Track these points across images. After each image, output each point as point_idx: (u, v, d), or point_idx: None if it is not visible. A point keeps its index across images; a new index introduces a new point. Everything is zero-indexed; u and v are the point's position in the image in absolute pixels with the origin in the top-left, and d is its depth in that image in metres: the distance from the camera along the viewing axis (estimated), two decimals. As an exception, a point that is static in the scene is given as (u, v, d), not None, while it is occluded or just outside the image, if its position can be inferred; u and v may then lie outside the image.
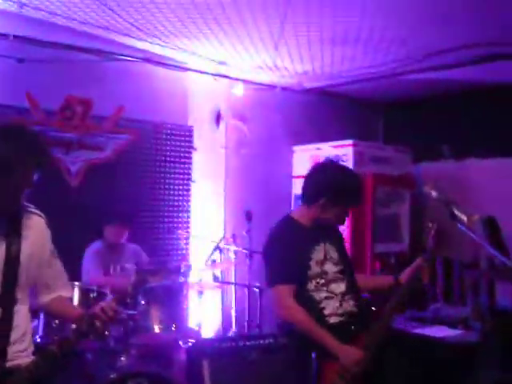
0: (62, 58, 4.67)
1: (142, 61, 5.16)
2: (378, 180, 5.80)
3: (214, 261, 4.91)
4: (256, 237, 4.85)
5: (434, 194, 2.99)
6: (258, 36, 4.56)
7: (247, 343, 3.72)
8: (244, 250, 5.09)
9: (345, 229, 5.50)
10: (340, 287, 2.96)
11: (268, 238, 3.06)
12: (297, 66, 5.45)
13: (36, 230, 2.26)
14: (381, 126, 7.31)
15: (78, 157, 4.89)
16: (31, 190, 2.15)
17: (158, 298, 4.14)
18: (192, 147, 5.68)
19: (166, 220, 5.49)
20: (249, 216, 5.15)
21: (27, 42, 4.54)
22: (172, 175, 5.54)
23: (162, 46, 4.91)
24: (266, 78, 5.89)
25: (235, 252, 5.18)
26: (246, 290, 5.13)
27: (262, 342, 3.73)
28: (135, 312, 3.96)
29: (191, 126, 5.69)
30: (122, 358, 3.80)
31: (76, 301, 3.77)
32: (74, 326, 2.30)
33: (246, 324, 5.13)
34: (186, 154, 5.64)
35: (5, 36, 4.42)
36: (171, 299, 4.23)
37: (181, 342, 4.15)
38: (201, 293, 4.61)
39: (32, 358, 2.22)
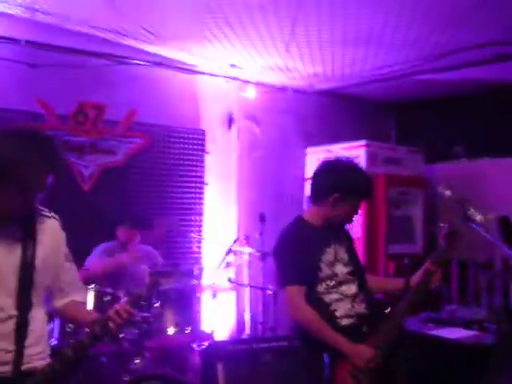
0: (73, 63, 4.70)
1: (154, 65, 5.18)
2: (391, 181, 5.78)
3: (227, 263, 4.91)
4: (269, 239, 4.84)
5: (448, 193, 2.97)
6: (270, 38, 4.55)
7: (261, 346, 3.73)
8: (257, 253, 5.08)
9: (358, 230, 5.51)
10: (351, 289, 2.95)
11: (279, 239, 3.04)
12: (308, 67, 5.44)
13: (50, 234, 2.27)
14: (393, 127, 7.27)
15: (91, 161, 4.92)
16: (45, 194, 2.16)
17: (171, 300, 4.14)
18: (204, 150, 5.70)
19: (179, 223, 5.50)
20: (262, 218, 5.15)
21: (39, 47, 4.58)
22: (184, 178, 5.55)
23: (173, 49, 4.92)
24: (277, 80, 5.89)
25: (249, 254, 5.17)
26: (259, 293, 5.13)
27: (276, 344, 3.73)
28: (149, 314, 3.95)
29: (203, 130, 5.70)
30: (137, 361, 3.81)
31: (90, 305, 3.79)
32: (87, 329, 2.30)
33: (260, 326, 5.12)
34: (199, 158, 5.65)
35: (17, 41, 4.45)
36: (185, 302, 4.23)
37: (195, 345, 4.16)
38: (214, 295, 4.61)
39: (48, 360, 2.23)
